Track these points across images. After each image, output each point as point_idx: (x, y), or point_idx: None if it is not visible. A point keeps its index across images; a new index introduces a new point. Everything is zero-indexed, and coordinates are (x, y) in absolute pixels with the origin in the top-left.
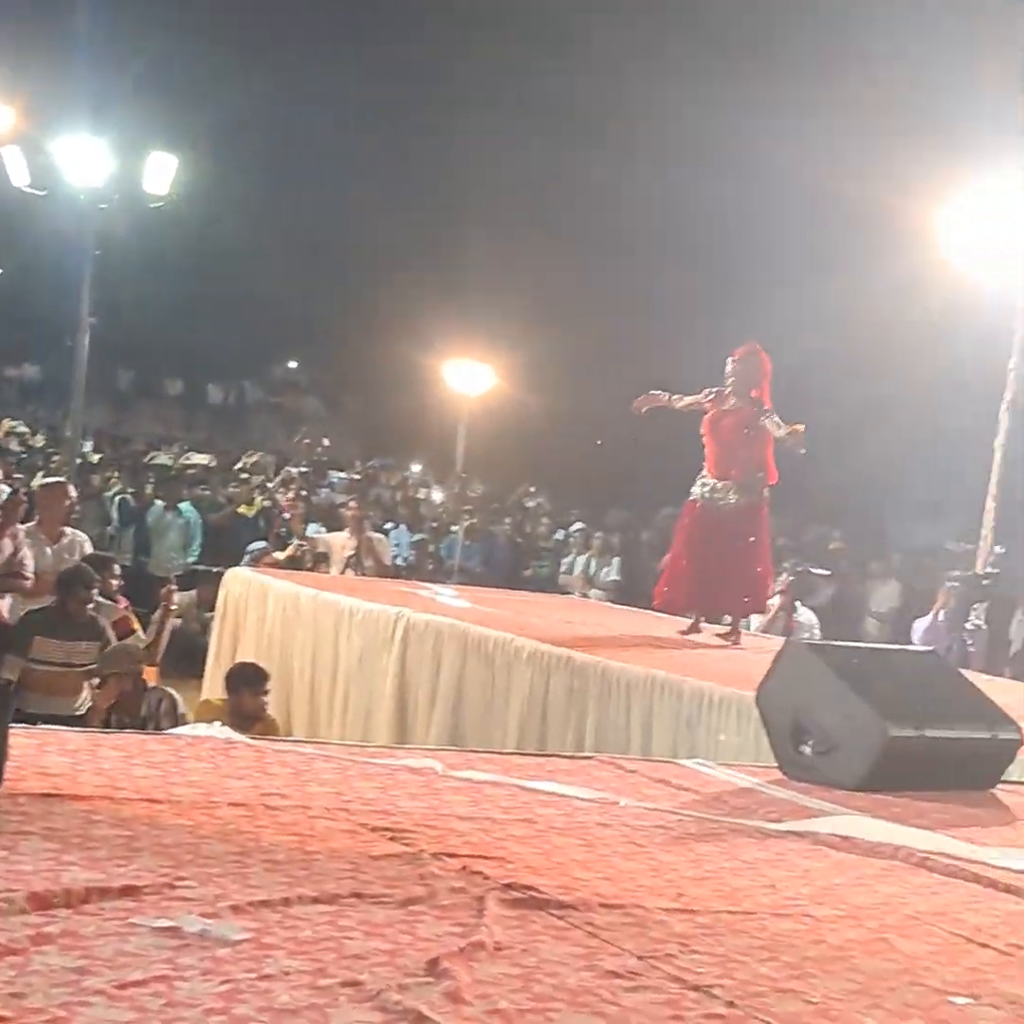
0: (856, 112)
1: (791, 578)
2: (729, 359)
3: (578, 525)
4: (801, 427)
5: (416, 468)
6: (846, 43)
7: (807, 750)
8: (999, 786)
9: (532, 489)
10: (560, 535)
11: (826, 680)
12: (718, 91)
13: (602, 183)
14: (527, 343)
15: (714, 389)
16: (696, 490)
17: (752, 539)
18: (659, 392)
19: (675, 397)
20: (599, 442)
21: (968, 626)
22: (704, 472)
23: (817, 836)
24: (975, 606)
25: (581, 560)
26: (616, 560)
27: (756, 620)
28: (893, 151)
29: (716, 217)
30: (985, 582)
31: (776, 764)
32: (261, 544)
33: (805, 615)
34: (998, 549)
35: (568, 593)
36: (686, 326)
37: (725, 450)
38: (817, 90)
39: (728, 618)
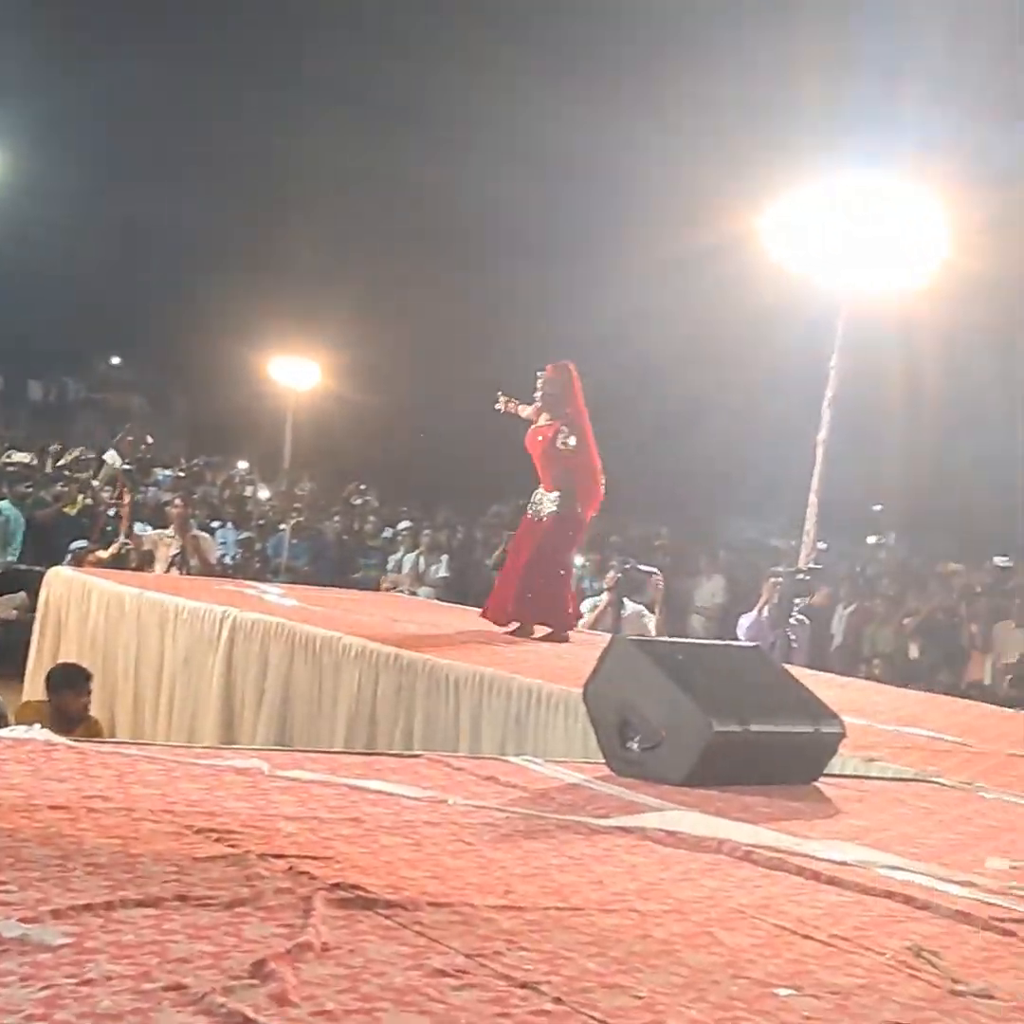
0: (684, 117)
1: (618, 575)
2: (539, 375)
3: (405, 523)
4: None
5: (243, 465)
6: (675, 52)
7: (634, 746)
8: (821, 779)
9: (362, 487)
10: (388, 533)
11: (651, 676)
12: (550, 92)
13: (431, 180)
14: (354, 340)
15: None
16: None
17: (555, 553)
18: (510, 399)
19: (521, 406)
20: (422, 434)
21: (791, 621)
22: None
23: (644, 831)
24: (797, 601)
25: (410, 558)
26: (445, 557)
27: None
28: (720, 155)
29: (545, 215)
30: (807, 577)
31: (604, 760)
32: (82, 543)
33: (633, 610)
34: (820, 545)
35: (397, 590)
36: (513, 323)
37: (539, 464)
38: (646, 95)
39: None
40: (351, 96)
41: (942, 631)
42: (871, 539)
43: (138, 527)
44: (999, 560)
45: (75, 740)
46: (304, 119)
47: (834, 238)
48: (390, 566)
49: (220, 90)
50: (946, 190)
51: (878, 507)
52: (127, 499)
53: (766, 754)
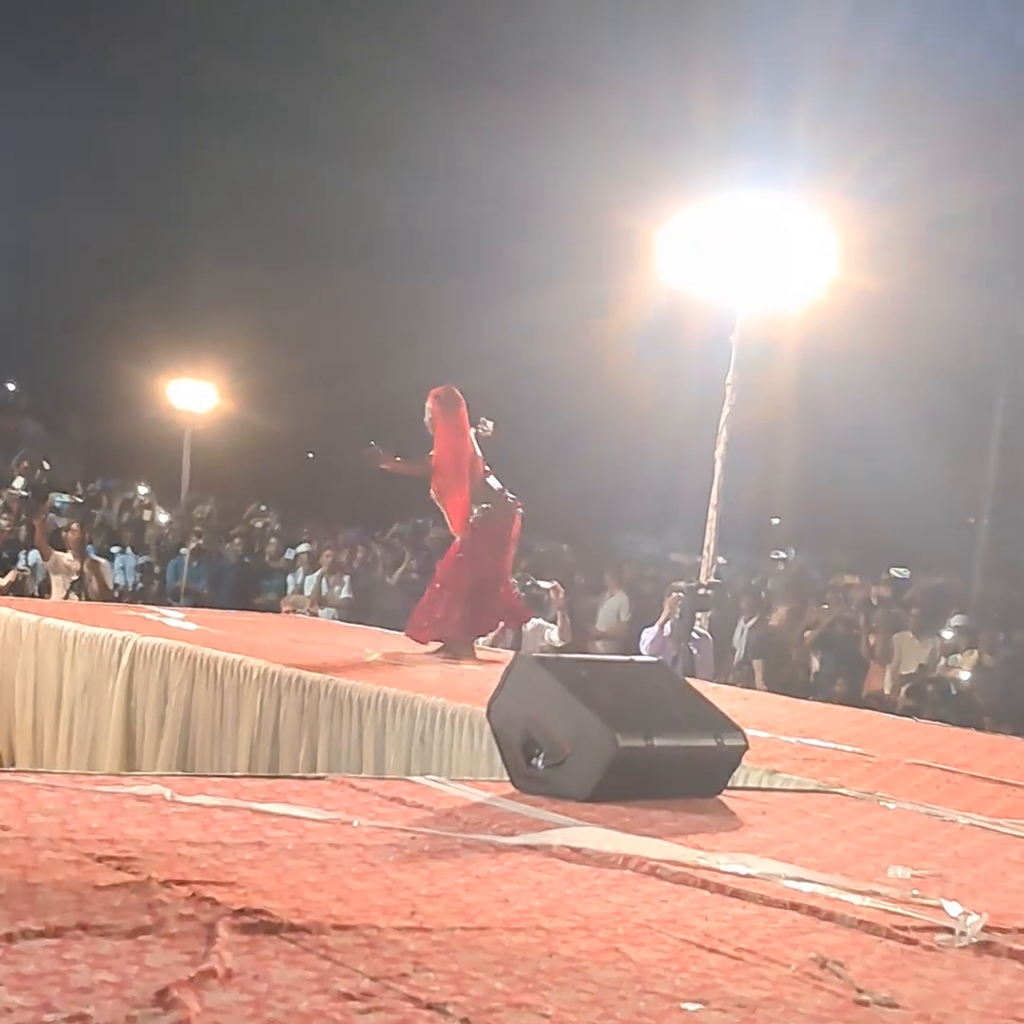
0: (578, 134)
1: (519, 593)
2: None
3: (305, 545)
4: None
5: (143, 490)
6: (570, 71)
7: (538, 763)
8: (725, 792)
9: (262, 508)
10: (289, 555)
11: (555, 692)
12: (447, 107)
13: (328, 195)
14: (251, 362)
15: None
16: None
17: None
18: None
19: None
20: (310, 454)
21: (693, 635)
22: None
23: (549, 849)
24: (699, 616)
25: (311, 579)
26: (347, 578)
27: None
28: (614, 173)
29: (440, 232)
30: (708, 592)
31: (508, 778)
32: None
33: (535, 626)
34: (720, 560)
35: (298, 612)
36: (410, 340)
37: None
38: (542, 112)
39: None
40: (246, 111)
41: (841, 643)
42: (774, 555)
43: (33, 554)
44: (896, 572)
45: None
46: (198, 136)
47: (726, 257)
48: (291, 588)
49: (110, 108)
50: (835, 209)
51: (776, 521)
52: (38, 524)
53: (670, 768)
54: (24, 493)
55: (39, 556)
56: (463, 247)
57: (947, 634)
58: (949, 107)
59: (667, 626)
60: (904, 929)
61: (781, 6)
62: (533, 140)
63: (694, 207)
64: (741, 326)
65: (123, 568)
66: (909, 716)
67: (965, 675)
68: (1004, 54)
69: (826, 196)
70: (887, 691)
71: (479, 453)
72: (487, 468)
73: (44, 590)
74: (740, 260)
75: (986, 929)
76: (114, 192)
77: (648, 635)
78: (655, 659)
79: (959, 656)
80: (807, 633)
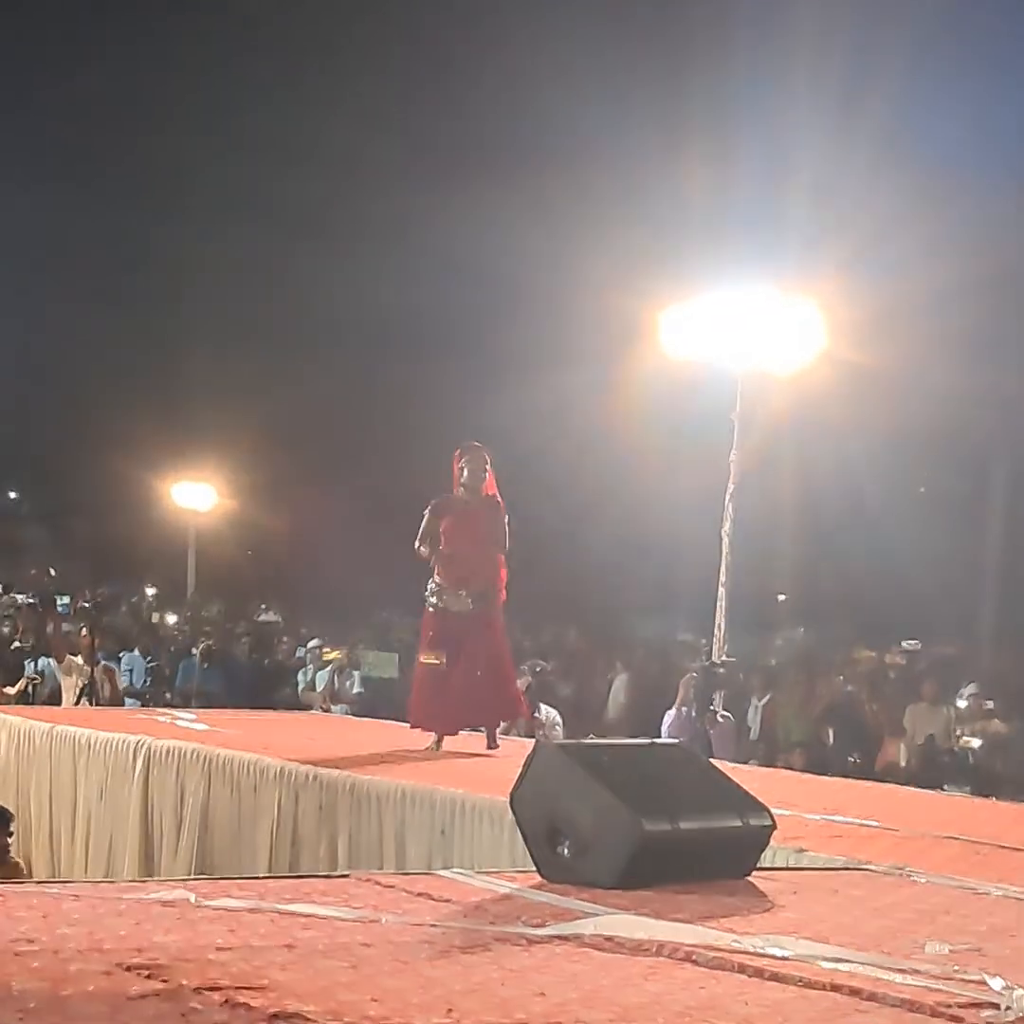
0: (574, 221)
1: (529, 679)
2: (456, 457)
3: (315, 640)
4: None
5: (151, 591)
6: (565, 156)
7: (564, 851)
8: (754, 873)
9: (264, 606)
10: (300, 652)
11: (578, 779)
12: (440, 192)
13: (320, 288)
14: (250, 459)
15: (435, 499)
16: (431, 597)
17: (495, 644)
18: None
19: (415, 551)
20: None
21: (719, 717)
22: (435, 577)
23: (581, 938)
24: (715, 695)
25: (322, 674)
26: (357, 673)
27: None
28: (612, 255)
29: (437, 317)
30: (721, 671)
31: (534, 868)
32: None
33: (547, 713)
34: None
35: (309, 709)
36: (409, 426)
37: (457, 553)
38: (538, 196)
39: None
40: (241, 203)
41: (851, 716)
42: (782, 634)
43: (42, 662)
44: (907, 644)
45: None
46: (193, 231)
47: (724, 338)
48: (301, 685)
49: (105, 207)
50: (830, 285)
51: (781, 597)
52: (52, 627)
53: (698, 851)
54: (31, 600)
55: (48, 663)
56: (460, 332)
57: (960, 703)
58: (943, 183)
59: (684, 707)
60: (948, 1006)
61: (775, 85)
62: (528, 224)
63: (691, 291)
64: (742, 404)
65: (131, 670)
66: (925, 787)
67: (977, 743)
68: (996, 131)
69: (822, 272)
70: (902, 763)
71: None
72: None
73: (54, 698)
74: (738, 340)
75: None
76: (108, 292)
77: (667, 717)
78: (675, 740)
79: (975, 725)
80: (817, 709)
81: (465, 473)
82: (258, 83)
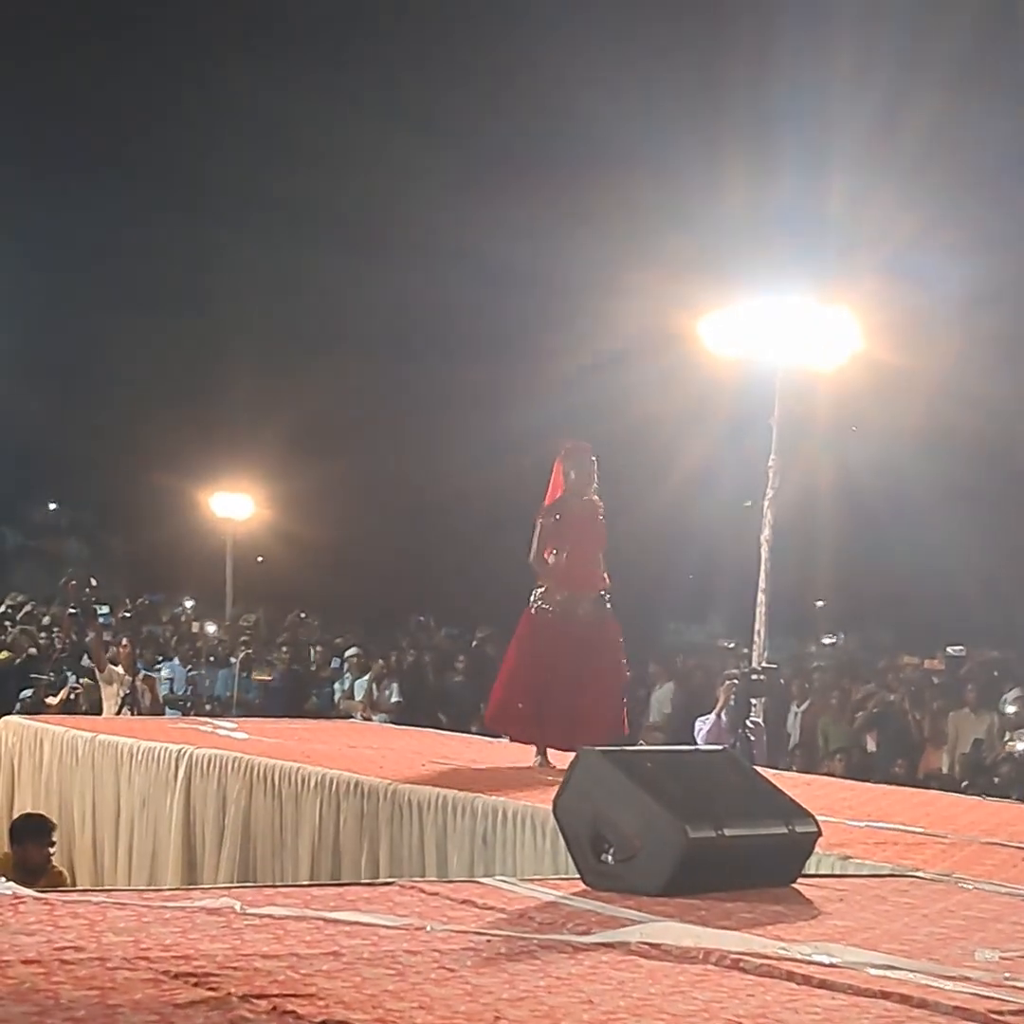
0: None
1: None
2: (561, 459)
3: (354, 649)
4: None
5: (189, 603)
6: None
7: (608, 858)
8: (800, 880)
9: (303, 615)
10: (335, 662)
11: (621, 786)
12: (476, 195)
13: (358, 295)
14: (287, 468)
15: (545, 513)
16: (544, 604)
17: (612, 655)
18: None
19: (537, 560)
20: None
21: (748, 723)
22: (549, 581)
23: (627, 946)
24: (754, 702)
25: (361, 683)
26: (396, 682)
27: None
28: (650, 258)
29: (472, 322)
30: (762, 677)
31: (578, 875)
32: (30, 690)
33: None
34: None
35: (350, 717)
36: (444, 431)
37: (576, 556)
38: (574, 200)
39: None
40: (274, 209)
41: (894, 723)
42: (825, 639)
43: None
44: (952, 649)
45: (41, 891)
46: (226, 237)
47: (763, 341)
48: (338, 694)
49: (140, 213)
50: (869, 288)
51: (820, 603)
52: (93, 636)
53: (743, 858)
54: (73, 610)
55: (90, 673)
56: (498, 336)
57: (1006, 709)
58: (977, 188)
59: (723, 715)
60: (1000, 1014)
61: (815, 89)
62: (569, 229)
63: (730, 295)
64: (780, 408)
65: (171, 680)
66: (971, 794)
67: (1020, 748)
68: None
69: (859, 276)
70: (945, 770)
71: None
72: None
73: (95, 709)
74: (776, 345)
75: None
76: (146, 302)
77: (704, 724)
78: (720, 747)
79: (1021, 731)
80: (858, 714)
81: (573, 475)
82: (292, 89)
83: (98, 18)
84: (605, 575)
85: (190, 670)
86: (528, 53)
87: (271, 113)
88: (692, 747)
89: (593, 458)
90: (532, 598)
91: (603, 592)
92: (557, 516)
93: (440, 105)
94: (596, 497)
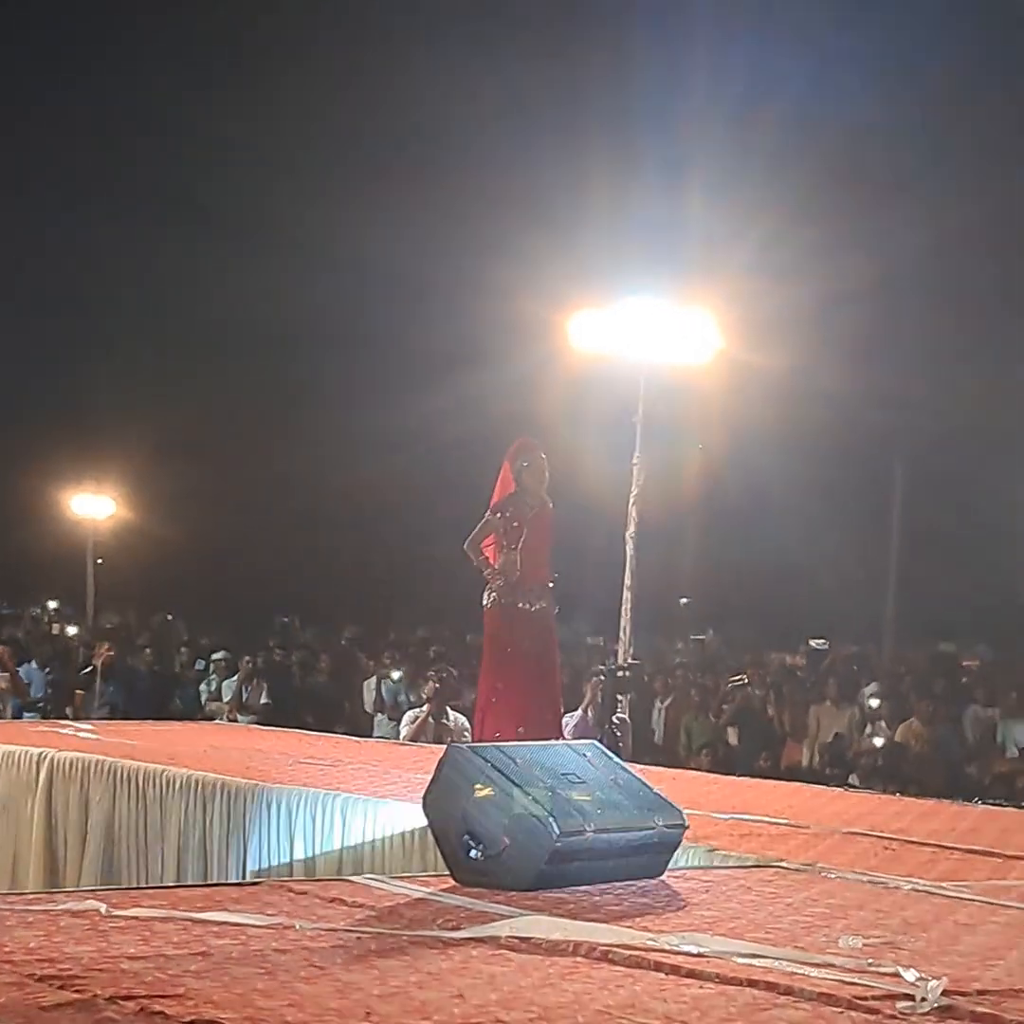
0: (479, 220)
1: (436, 684)
2: (510, 457)
3: (221, 653)
4: None
5: (52, 604)
6: (467, 160)
7: (477, 855)
8: (667, 873)
9: (169, 617)
10: (200, 664)
11: (490, 782)
12: (344, 194)
13: (222, 292)
14: (151, 469)
15: (497, 508)
16: (502, 597)
17: (554, 650)
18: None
19: (488, 572)
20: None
21: (615, 719)
22: (506, 576)
23: (497, 940)
24: (620, 698)
25: (228, 684)
26: (265, 683)
27: (404, 729)
28: (515, 257)
29: (339, 320)
30: (627, 674)
31: (447, 872)
32: None
33: (455, 719)
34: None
35: (215, 719)
36: (311, 429)
37: (528, 553)
38: (442, 200)
39: None
40: (145, 212)
41: (756, 717)
42: (696, 636)
43: None
44: (814, 643)
45: None
46: (94, 241)
47: (624, 341)
48: (205, 695)
49: (4, 219)
50: (729, 287)
51: (684, 600)
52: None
53: (611, 852)
54: None
55: None
56: (366, 334)
57: (868, 702)
58: (839, 185)
59: (590, 711)
60: (864, 999)
61: (674, 89)
62: (431, 225)
63: (593, 294)
64: (644, 407)
65: (30, 683)
66: (832, 786)
67: (879, 742)
68: (891, 132)
69: (719, 275)
70: (806, 763)
71: None
72: None
73: None
74: (638, 344)
75: (946, 994)
76: (2, 298)
77: (571, 720)
78: (589, 742)
79: (881, 723)
80: (723, 706)
81: (525, 473)
82: (164, 85)
83: None
84: (552, 571)
85: (49, 673)
86: (394, 51)
87: (140, 111)
88: (560, 743)
89: (543, 455)
90: (486, 598)
91: (550, 584)
92: (508, 512)
93: (308, 102)
94: (545, 494)
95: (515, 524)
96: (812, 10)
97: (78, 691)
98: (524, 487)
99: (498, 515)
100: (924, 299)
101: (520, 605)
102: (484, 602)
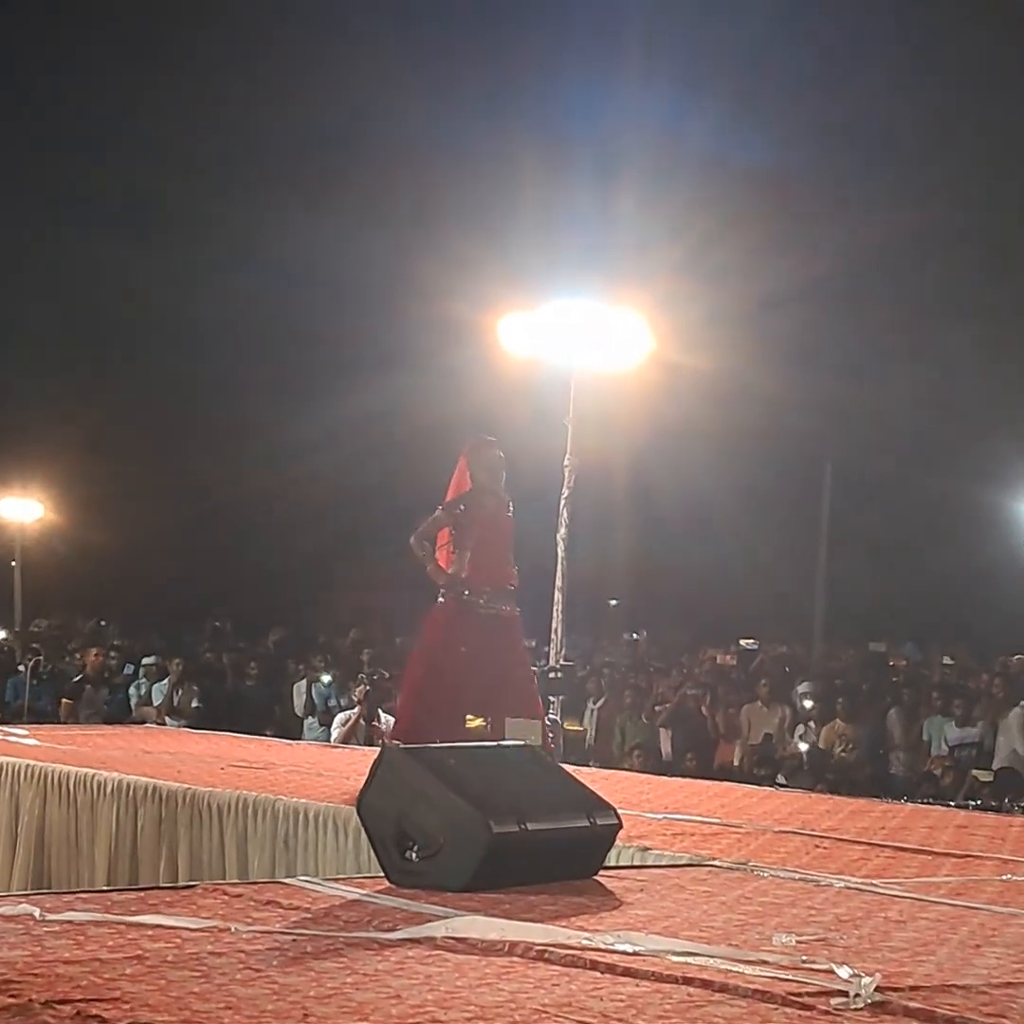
0: (411, 221)
1: (367, 687)
2: (465, 454)
3: (151, 658)
4: None
5: None
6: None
7: (412, 856)
8: (601, 872)
9: (103, 622)
10: (129, 669)
11: (425, 783)
12: (271, 192)
13: (149, 292)
14: (80, 473)
15: (449, 505)
16: (459, 594)
17: (521, 645)
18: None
19: (432, 567)
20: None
21: (547, 720)
22: (462, 575)
23: (433, 941)
24: (552, 699)
25: (159, 688)
26: (196, 687)
27: (335, 731)
28: (446, 258)
29: (270, 320)
30: (559, 675)
31: (383, 873)
32: None
33: (387, 721)
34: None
35: (144, 722)
36: (241, 430)
37: (483, 552)
38: (372, 199)
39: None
40: (63, 212)
41: (686, 719)
42: (630, 636)
43: None
44: (745, 643)
45: None
46: (12, 242)
47: (555, 342)
48: (135, 699)
49: None
50: (662, 289)
51: (614, 602)
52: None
53: (546, 851)
54: None
55: None
56: (287, 334)
57: (801, 703)
58: (772, 187)
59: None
60: (799, 996)
61: (605, 91)
62: (357, 224)
63: (524, 294)
64: (575, 408)
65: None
66: (762, 785)
67: (804, 746)
68: (827, 138)
69: (651, 277)
70: (737, 763)
71: None
72: None
73: None
74: (569, 344)
75: (879, 990)
76: None
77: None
78: (521, 743)
79: (812, 724)
80: (657, 708)
81: (481, 471)
82: (74, 83)
83: None
84: (514, 571)
85: None
86: (323, 49)
87: (47, 111)
88: (495, 743)
89: (500, 453)
90: (439, 599)
91: (511, 586)
92: (461, 508)
93: (232, 99)
94: (504, 493)
95: (468, 523)
96: (744, 10)
97: (66, 700)
98: (480, 485)
99: (450, 511)
100: (855, 303)
101: (477, 603)
102: (439, 599)
